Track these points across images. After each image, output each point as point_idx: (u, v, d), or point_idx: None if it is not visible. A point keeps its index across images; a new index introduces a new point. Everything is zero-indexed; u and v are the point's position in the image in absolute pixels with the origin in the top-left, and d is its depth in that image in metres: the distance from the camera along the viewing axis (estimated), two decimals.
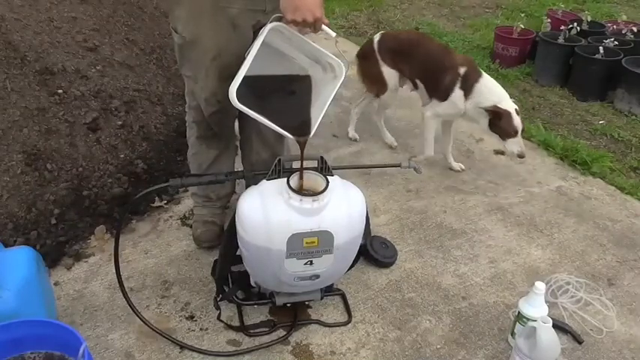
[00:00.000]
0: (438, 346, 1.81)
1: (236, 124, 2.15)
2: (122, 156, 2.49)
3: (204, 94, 1.85)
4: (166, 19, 3.43)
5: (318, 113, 1.65)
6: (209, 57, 1.74)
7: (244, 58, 1.59)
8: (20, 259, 1.59)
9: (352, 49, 4.18)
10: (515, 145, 2.45)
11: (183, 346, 1.74)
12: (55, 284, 1.95)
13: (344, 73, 1.65)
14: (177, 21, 1.77)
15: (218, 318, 1.85)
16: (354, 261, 1.84)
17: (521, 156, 2.47)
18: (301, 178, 1.61)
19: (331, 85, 1.68)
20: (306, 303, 1.92)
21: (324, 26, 1.57)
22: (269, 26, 1.59)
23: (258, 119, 1.57)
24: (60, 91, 2.46)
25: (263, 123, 1.59)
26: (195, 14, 1.71)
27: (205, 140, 2.08)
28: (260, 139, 2.10)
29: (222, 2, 1.68)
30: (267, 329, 1.82)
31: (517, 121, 2.42)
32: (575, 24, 4.04)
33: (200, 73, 1.81)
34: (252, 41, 1.67)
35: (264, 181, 1.63)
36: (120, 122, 2.57)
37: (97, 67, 2.68)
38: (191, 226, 2.23)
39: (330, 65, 1.70)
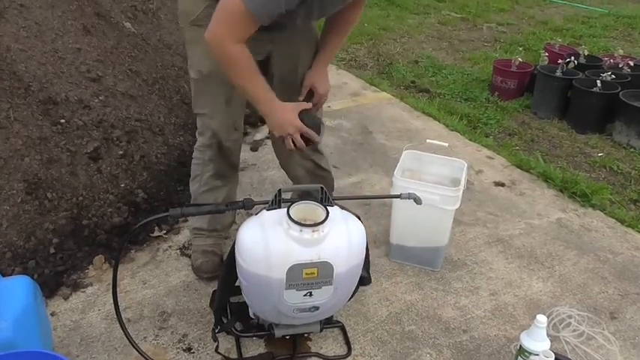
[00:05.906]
0: None
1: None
2: (122, 185, 2.49)
3: (225, 123, 2.00)
4: (169, 51, 3.49)
5: None
6: (230, 87, 1.86)
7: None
8: (18, 288, 1.57)
9: (352, 81, 4.26)
10: None
11: None
12: (52, 314, 1.93)
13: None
14: (193, 57, 1.93)
15: (216, 350, 1.82)
16: (353, 292, 1.83)
17: None
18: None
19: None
20: (306, 335, 1.90)
21: (435, 141, 2.22)
22: (405, 152, 2.25)
23: None
24: (62, 120, 2.48)
25: None
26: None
27: (220, 177, 2.13)
28: (299, 154, 2.22)
29: None
30: None
31: None
32: (573, 58, 4.09)
33: (219, 105, 1.96)
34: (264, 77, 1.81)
35: (264, 211, 1.63)
36: (121, 152, 2.58)
37: (100, 98, 2.70)
38: (190, 257, 2.22)
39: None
